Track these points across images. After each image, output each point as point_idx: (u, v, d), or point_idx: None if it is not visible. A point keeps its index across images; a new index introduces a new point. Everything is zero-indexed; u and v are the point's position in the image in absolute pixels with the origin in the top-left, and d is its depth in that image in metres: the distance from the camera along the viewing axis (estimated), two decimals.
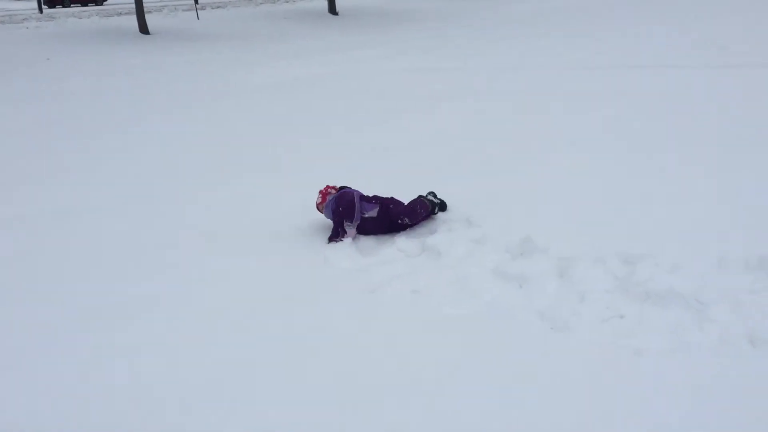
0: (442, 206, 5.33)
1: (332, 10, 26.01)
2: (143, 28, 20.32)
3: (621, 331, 3.59)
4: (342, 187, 5.37)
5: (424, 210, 5.12)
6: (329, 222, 5.19)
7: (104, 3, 37.75)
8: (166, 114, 10.30)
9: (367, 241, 5.06)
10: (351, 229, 5.09)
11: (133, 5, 21.07)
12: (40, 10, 29.18)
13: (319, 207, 5.30)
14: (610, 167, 5.86)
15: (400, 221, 5.07)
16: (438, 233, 4.94)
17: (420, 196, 5.28)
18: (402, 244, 4.92)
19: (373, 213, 5.10)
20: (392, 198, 5.22)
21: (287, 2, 31.33)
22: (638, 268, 4.04)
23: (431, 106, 9.35)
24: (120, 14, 26.51)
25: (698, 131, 6.68)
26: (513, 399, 3.16)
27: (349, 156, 7.17)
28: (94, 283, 4.57)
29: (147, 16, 21.14)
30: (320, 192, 5.31)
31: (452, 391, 3.25)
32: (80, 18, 25.22)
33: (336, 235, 5.05)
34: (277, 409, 3.20)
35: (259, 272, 4.58)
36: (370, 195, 5.28)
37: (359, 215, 5.10)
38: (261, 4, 30.62)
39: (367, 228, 5.13)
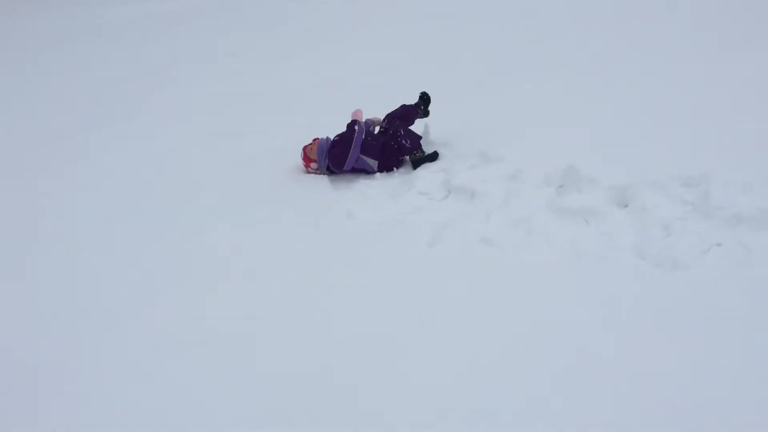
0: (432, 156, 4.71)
1: None
2: None
3: (735, 260, 3.25)
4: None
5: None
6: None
7: None
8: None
9: (378, 189, 4.35)
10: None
11: None
12: None
13: (309, 155, 4.56)
14: (613, 85, 5.39)
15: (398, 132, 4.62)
16: (458, 171, 4.33)
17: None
18: (422, 185, 4.29)
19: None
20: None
21: None
22: (710, 190, 3.71)
23: (347, 33, 8.48)
24: None
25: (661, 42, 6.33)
26: (649, 349, 2.73)
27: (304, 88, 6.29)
28: None
29: None
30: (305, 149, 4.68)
31: (575, 347, 2.78)
32: None
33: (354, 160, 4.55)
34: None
35: (288, 244, 3.79)
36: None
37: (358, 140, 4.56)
38: None
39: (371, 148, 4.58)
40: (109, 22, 10.43)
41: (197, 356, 2.97)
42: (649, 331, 2.84)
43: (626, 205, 3.83)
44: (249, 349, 2.97)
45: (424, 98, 4.85)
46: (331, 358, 2.85)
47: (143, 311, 3.34)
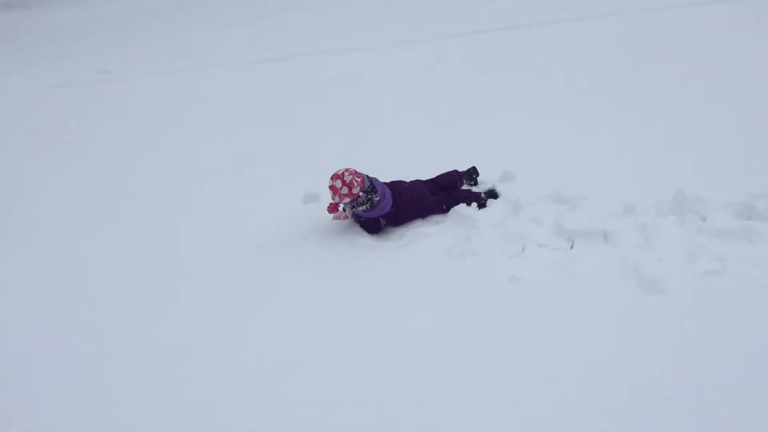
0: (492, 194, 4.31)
1: None
2: None
3: None
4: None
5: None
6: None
7: None
8: None
9: (486, 251, 3.57)
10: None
11: None
12: None
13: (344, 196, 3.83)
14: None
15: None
16: (559, 216, 3.77)
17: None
18: (534, 237, 3.65)
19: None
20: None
21: None
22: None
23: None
24: None
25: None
26: None
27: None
28: None
29: None
30: (340, 183, 3.81)
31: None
32: None
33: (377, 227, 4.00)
34: None
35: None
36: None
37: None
38: None
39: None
40: None
41: None
42: None
43: (749, 218, 3.58)
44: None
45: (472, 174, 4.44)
46: None
47: None
